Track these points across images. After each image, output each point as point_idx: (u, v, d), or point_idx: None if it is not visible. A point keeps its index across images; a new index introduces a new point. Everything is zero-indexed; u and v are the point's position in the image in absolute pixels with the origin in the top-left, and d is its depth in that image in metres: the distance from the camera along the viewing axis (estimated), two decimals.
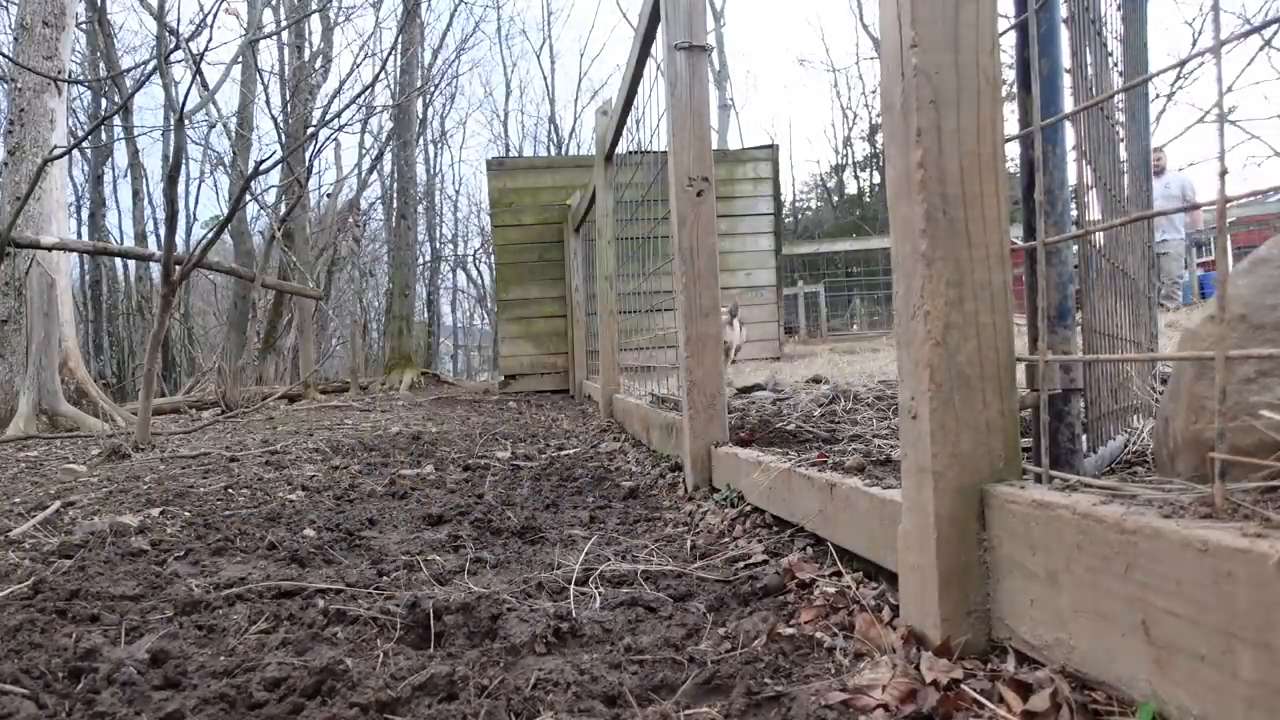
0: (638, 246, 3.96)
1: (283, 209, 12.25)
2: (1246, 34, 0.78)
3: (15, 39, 6.06)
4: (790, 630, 1.07)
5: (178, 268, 4.00)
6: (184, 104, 3.74)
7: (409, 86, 14.13)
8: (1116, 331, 1.48)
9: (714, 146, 2.26)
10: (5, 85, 7.34)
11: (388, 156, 17.52)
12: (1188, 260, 10.59)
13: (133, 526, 1.90)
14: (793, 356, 8.20)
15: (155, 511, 2.10)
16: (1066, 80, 1.14)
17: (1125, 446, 1.55)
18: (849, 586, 1.20)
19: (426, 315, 23.09)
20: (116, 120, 14.20)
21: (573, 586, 1.36)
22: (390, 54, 13.53)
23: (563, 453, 3.21)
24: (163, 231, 11.26)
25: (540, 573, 1.46)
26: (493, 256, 10.47)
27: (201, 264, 4.67)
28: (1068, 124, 1.15)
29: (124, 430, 4.64)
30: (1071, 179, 1.13)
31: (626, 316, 4.48)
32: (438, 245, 24.53)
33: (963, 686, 0.84)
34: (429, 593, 1.31)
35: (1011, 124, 1.05)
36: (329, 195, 16.87)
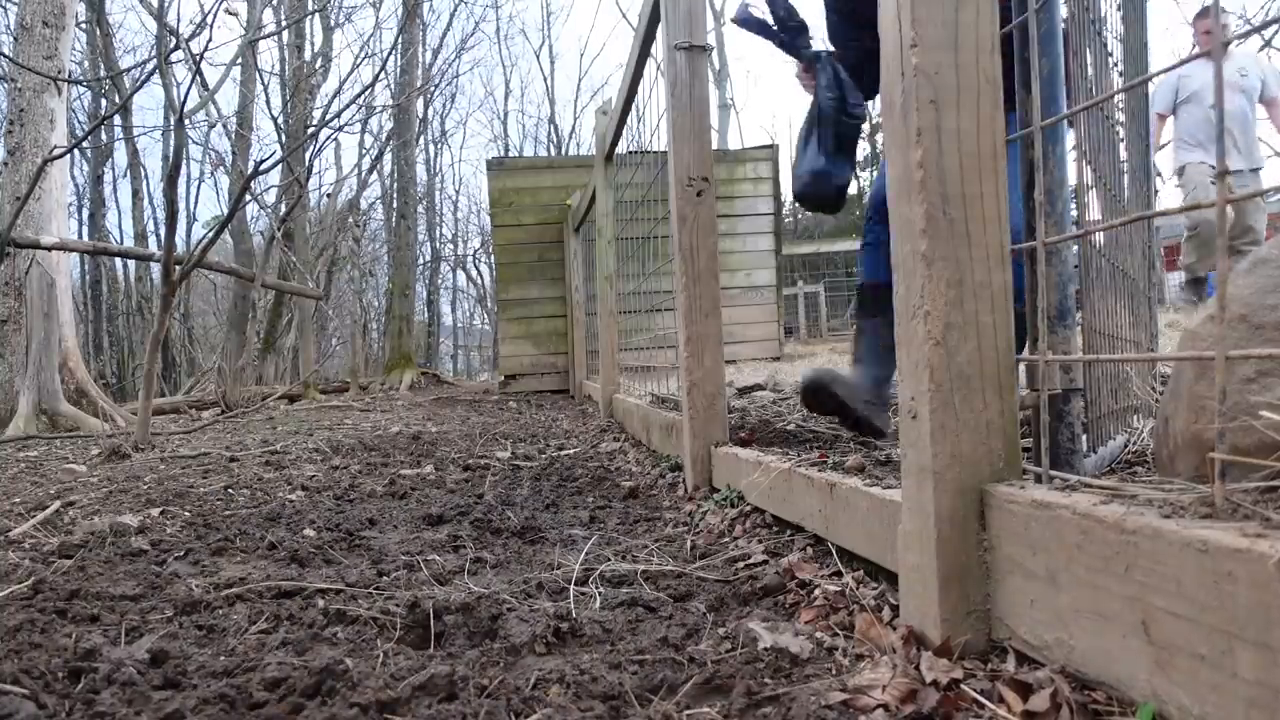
0: (638, 246, 3.96)
1: (283, 209, 12.25)
2: (1246, 34, 0.78)
3: (15, 39, 6.05)
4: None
5: (178, 268, 4.00)
6: (184, 104, 3.74)
7: (409, 86, 14.12)
8: (1116, 331, 1.48)
9: (714, 146, 2.26)
10: (5, 85, 7.34)
11: (388, 156, 17.52)
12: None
13: (133, 526, 1.90)
14: (793, 356, 8.20)
15: (155, 511, 2.10)
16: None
17: (1125, 446, 1.55)
18: (849, 586, 1.20)
19: (426, 315, 23.10)
20: (116, 120, 14.19)
21: (573, 586, 1.36)
22: (390, 54, 13.53)
23: (563, 453, 3.21)
24: (163, 231, 11.27)
25: (540, 573, 1.46)
26: (493, 256, 10.47)
27: (201, 264, 4.67)
28: (1067, 124, 1.15)
29: (124, 430, 4.63)
30: (1071, 179, 1.13)
31: (626, 316, 4.48)
32: (438, 245, 24.54)
33: (963, 686, 0.84)
34: (429, 593, 1.31)
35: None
36: (329, 195, 16.88)
